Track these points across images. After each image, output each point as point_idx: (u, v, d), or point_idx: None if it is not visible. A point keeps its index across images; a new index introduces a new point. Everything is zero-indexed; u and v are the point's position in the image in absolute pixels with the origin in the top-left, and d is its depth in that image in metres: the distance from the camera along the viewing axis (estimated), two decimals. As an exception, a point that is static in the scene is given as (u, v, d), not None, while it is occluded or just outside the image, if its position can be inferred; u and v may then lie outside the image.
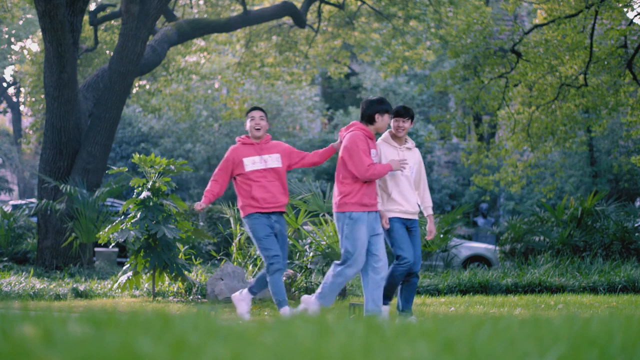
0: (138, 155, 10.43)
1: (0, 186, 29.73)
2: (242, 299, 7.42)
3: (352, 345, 2.16)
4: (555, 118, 17.72)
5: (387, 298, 7.17)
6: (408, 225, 7.29)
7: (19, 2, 21.64)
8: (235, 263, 10.93)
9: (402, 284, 7.32)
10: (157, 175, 10.42)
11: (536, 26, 17.64)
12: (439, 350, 2.17)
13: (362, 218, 6.93)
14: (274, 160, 7.31)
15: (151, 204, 10.20)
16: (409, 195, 7.26)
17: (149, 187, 10.25)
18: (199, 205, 7.16)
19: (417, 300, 10.24)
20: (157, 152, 25.96)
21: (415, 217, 7.36)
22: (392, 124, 7.35)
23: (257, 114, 7.31)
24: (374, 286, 6.91)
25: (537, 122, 17.89)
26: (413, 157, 7.39)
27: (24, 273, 12.47)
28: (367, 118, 7.04)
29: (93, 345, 2.04)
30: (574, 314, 5.17)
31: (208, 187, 7.34)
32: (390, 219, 7.22)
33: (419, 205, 7.44)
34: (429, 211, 7.50)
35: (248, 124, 7.33)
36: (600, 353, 2.27)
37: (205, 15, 21.20)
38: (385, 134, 7.43)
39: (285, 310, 7.18)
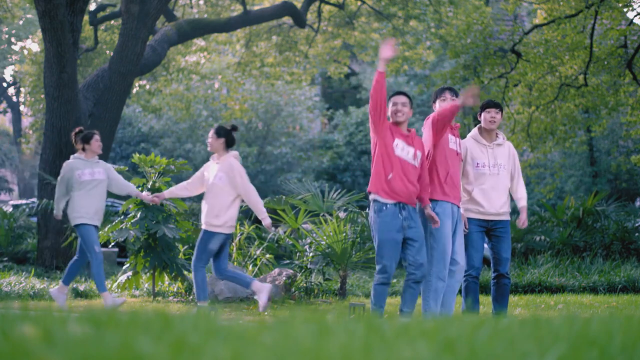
0: (138, 155, 10.43)
1: (0, 186, 29.74)
2: None
3: (352, 345, 2.16)
4: (555, 118, 17.72)
5: (473, 307, 7.05)
6: (490, 226, 7.05)
7: (19, 2, 21.66)
8: (235, 263, 10.93)
9: (493, 287, 7.15)
10: (157, 175, 10.42)
11: (536, 26, 17.64)
12: (439, 350, 2.17)
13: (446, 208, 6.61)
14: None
15: (151, 203, 10.20)
16: (493, 194, 7.00)
17: (149, 187, 10.25)
18: None
19: (418, 300, 10.22)
20: (157, 152, 25.96)
21: (501, 217, 7.05)
22: (483, 117, 7.12)
23: (400, 99, 6.61)
24: (448, 290, 6.68)
25: (537, 122, 17.89)
26: (505, 152, 7.12)
27: (24, 273, 12.47)
28: None
29: (93, 345, 2.04)
30: (574, 314, 5.17)
31: None
32: (469, 220, 7.01)
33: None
34: (522, 203, 7.20)
35: (390, 109, 6.60)
36: (600, 353, 2.27)
37: (205, 15, 21.21)
38: (474, 131, 7.19)
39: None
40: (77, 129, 8.87)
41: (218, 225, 7.78)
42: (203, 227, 7.87)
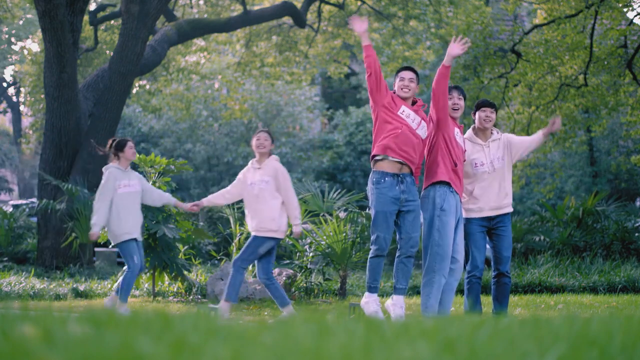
0: (138, 155, 10.43)
1: (0, 186, 29.75)
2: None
3: (352, 345, 2.16)
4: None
5: (473, 307, 7.00)
6: (492, 225, 7.02)
7: (19, 2, 21.66)
8: (235, 263, 10.93)
9: (493, 286, 7.14)
10: (157, 175, 10.42)
11: (536, 26, 17.64)
12: (439, 350, 2.17)
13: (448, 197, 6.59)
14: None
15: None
16: (493, 189, 6.99)
17: (149, 187, 10.25)
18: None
19: (417, 300, 10.24)
20: (157, 152, 25.96)
21: (503, 210, 7.02)
22: (477, 117, 7.10)
23: (407, 74, 6.69)
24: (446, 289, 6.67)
25: (537, 122, 17.89)
26: (501, 144, 7.09)
27: (24, 273, 12.47)
28: None
29: (93, 345, 2.05)
30: (574, 314, 5.17)
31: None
32: (470, 220, 7.02)
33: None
34: (540, 132, 7.16)
35: (397, 83, 6.70)
36: (600, 353, 2.27)
37: (205, 15, 21.21)
38: (469, 132, 7.18)
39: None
40: (110, 140, 8.47)
41: (274, 230, 7.55)
42: (255, 233, 7.59)
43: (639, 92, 17.39)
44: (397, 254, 6.62)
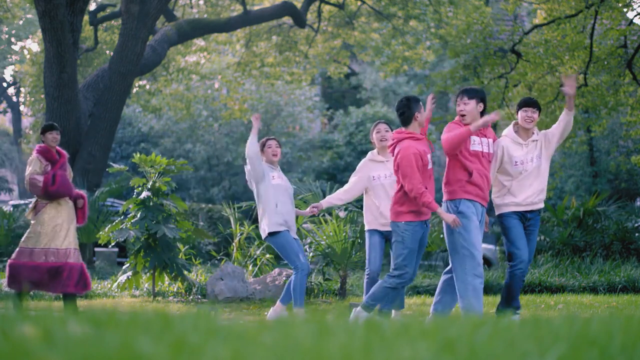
0: (138, 155, 10.43)
1: (0, 186, 29.74)
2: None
3: (352, 345, 2.16)
4: (555, 118, 17.71)
5: (510, 302, 6.98)
6: (526, 217, 7.05)
7: (19, 2, 21.67)
8: (235, 263, 10.94)
9: (505, 284, 7.14)
10: (157, 175, 10.42)
11: (536, 26, 17.64)
12: (439, 350, 2.17)
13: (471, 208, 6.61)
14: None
15: (151, 204, 10.20)
16: (531, 186, 7.00)
17: (149, 187, 10.25)
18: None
19: (417, 300, 10.24)
20: (157, 152, 25.96)
21: (536, 206, 7.03)
22: (520, 116, 7.09)
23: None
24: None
25: (537, 122, 17.89)
26: (540, 142, 7.11)
27: (24, 273, 12.44)
28: None
29: (93, 345, 2.05)
30: (574, 314, 5.16)
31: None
32: (506, 215, 7.03)
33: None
34: (565, 110, 7.17)
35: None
36: (600, 353, 2.27)
37: (205, 15, 21.22)
38: (509, 130, 7.15)
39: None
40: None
41: None
42: (381, 228, 7.38)
43: (639, 92, 17.39)
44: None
